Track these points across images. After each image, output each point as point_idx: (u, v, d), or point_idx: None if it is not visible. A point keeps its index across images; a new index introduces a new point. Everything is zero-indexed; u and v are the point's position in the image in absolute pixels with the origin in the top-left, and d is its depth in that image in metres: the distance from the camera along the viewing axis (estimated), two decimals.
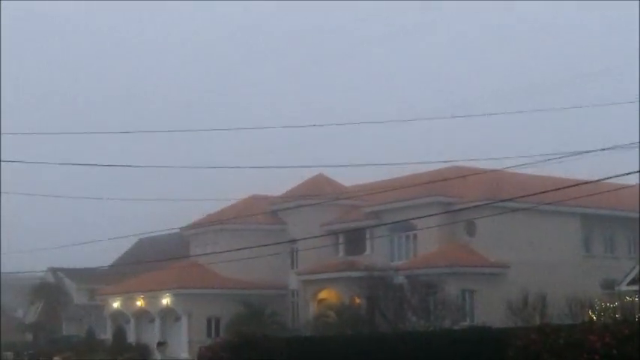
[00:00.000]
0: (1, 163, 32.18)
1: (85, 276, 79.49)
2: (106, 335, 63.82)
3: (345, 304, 51.79)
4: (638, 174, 26.07)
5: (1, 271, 65.16)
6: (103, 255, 74.85)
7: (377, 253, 55.53)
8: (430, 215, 45.98)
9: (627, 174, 27.12)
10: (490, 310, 46.05)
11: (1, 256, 59.96)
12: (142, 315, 62.50)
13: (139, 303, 61.66)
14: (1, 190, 44.77)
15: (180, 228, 64.68)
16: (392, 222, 51.68)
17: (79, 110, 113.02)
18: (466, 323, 45.98)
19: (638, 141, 27.34)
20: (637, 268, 39.62)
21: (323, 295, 57.65)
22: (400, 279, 48.20)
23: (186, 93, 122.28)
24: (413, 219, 47.56)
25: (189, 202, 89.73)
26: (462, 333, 36.16)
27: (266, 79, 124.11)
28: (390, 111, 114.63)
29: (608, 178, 29.74)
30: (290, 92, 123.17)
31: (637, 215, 55.62)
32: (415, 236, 54.07)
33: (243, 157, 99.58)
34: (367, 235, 57.05)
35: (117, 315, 64.25)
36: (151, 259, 62.23)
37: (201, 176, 64.58)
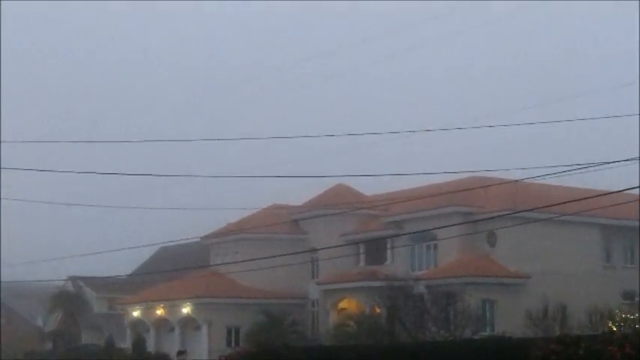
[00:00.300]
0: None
1: (105, 285, 79.65)
2: (126, 344, 63.99)
3: (365, 314, 51.81)
4: None
5: (22, 279, 65.39)
6: (123, 264, 75.14)
7: (397, 263, 55.53)
8: (451, 225, 46.04)
9: None
10: (510, 320, 45.97)
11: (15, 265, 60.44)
12: (161, 324, 62.67)
13: (159, 312, 61.82)
14: (19, 199, 44.75)
15: (200, 237, 64.85)
16: (412, 232, 51.72)
17: (99, 116, 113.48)
18: (486, 333, 45.92)
19: None
20: None
21: (343, 304, 57.68)
22: (420, 289, 48.19)
23: (205, 101, 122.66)
24: (433, 229, 47.58)
25: (211, 211, 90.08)
26: (482, 343, 36.08)
27: (288, 88, 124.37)
28: (412, 122, 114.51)
29: (628, 189, 29.72)
30: (313, 102, 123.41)
31: None
32: (436, 246, 54.08)
33: (264, 166, 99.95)
34: (388, 245, 57.07)
35: (136, 324, 64.43)
36: (172, 268, 62.40)
37: (222, 185, 64.59)
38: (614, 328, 38.11)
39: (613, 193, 33.47)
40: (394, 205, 55.42)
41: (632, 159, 29.06)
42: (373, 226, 58.80)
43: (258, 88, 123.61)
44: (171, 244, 65.83)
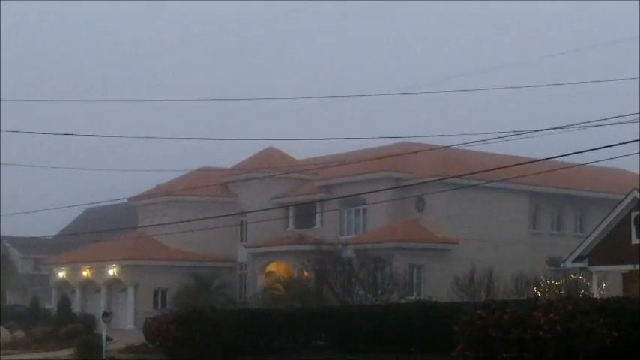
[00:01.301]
0: None
1: (30, 245, 78.56)
2: (51, 305, 63.24)
3: (293, 278, 51.84)
4: (585, 153, 26.22)
5: None
6: (49, 225, 74.14)
7: (327, 227, 55.58)
8: (380, 190, 46.07)
9: (575, 153, 27.29)
10: (437, 286, 46.38)
11: None
12: (87, 285, 62.07)
13: (85, 273, 61.18)
14: None
15: (128, 199, 64.24)
16: (342, 196, 51.74)
17: (33, 76, 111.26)
18: (413, 298, 46.24)
19: (586, 121, 27.52)
20: (582, 245, 40.06)
21: (271, 268, 57.64)
22: (349, 253, 48.34)
23: (142, 62, 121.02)
24: (363, 194, 47.63)
25: (139, 173, 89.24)
26: (409, 307, 36.37)
27: (223, 52, 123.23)
28: (345, 87, 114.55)
29: (556, 157, 29.97)
30: (247, 66, 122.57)
31: (584, 194, 56.32)
32: (365, 211, 54.21)
33: (194, 129, 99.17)
34: (317, 209, 57.08)
35: (62, 285, 63.72)
36: (99, 230, 61.72)
37: (152, 147, 64.03)
38: (539, 294, 38.60)
39: (541, 160, 33.80)
40: (324, 170, 55.33)
41: (559, 127, 29.29)
42: (303, 190, 58.70)
43: (196, 51, 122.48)
44: (99, 205, 65.19)
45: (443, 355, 27.49)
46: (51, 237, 74.03)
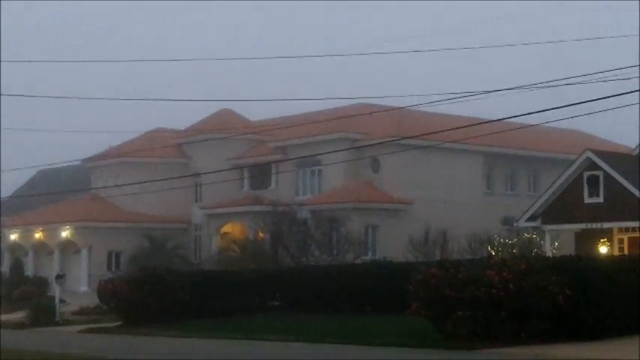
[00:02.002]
0: None
1: None
2: (3, 268, 62.68)
3: (249, 239, 51.77)
4: (538, 114, 26.33)
5: None
6: (1, 186, 73.21)
7: (282, 188, 55.53)
8: (335, 151, 46.03)
9: (527, 114, 27.41)
10: (392, 245, 46.61)
11: None
12: (40, 248, 61.57)
13: (38, 235, 60.66)
14: None
15: (81, 160, 63.62)
16: (298, 157, 51.64)
17: None
18: (368, 258, 46.43)
19: (542, 82, 27.65)
20: (536, 204, 40.40)
21: (227, 229, 57.55)
22: (304, 214, 48.32)
23: (100, 19, 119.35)
24: (318, 155, 47.57)
25: (92, 134, 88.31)
26: (364, 267, 36.50)
27: (176, 10, 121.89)
28: (301, 47, 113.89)
29: (510, 118, 30.06)
30: (200, 24, 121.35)
31: (537, 154, 56.74)
32: (320, 172, 54.18)
33: (148, 89, 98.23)
34: (273, 170, 56.96)
35: (15, 247, 63.13)
36: (51, 192, 61.10)
37: (104, 108, 63.44)
38: (493, 253, 38.87)
39: (495, 121, 33.90)
40: (280, 131, 55.18)
41: (510, 88, 29.37)
42: (258, 152, 58.52)
43: (149, 8, 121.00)
44: (51, 167, 64.55)
45: (398, 314, 27.62)
46: (2, 199, 73.16)
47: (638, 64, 25.46)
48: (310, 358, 20.93)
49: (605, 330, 22.83)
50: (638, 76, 25.27)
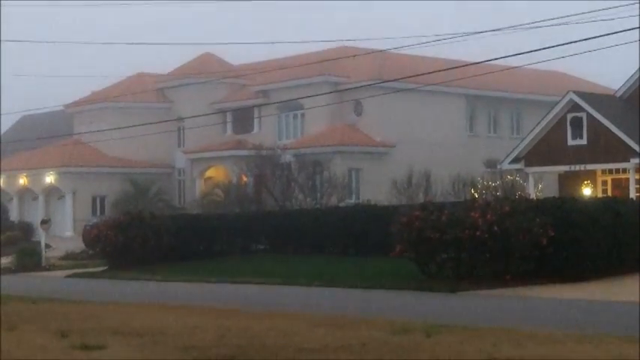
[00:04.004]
0: None
1: None
2: None
3: (232, 183, 51.82)
4: (521, 56, 26.35)
5: None
6: None
7: (265, 132, 55.46)
8: (318, 95, 45.92)
9: (511, 56, 27.45)
10: (376, 189, 46.74)
11: None
12: (25, 193, 61.49)
13: (22, 181, 60.53)
14: None
15: (64, 105, 63.30)
16: (280, 101, 51.51)
17: None
18: (352, 201, 46.59)
19: (525, 23, 27.61)
20: (519, 147, 40.51)
21: (210, 173, 57.56)
22: (288, 158, 48.38)
23: None
24: (301, 98, 47.49)
25: (74, 79, 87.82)
26: (348, 210, 36.62)
27: None
28: None
29: (492, 60, 30.08)
30: None
31: (520, 96, 56.79)
32: (303, 115, 54.11)
33: (130, 33, 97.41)
34: (255, 114, 56.85)
35: None
36: (34, 137, 60.85)
37: (87, 53, 62.88)
38: (477, 196, 39.07)
39: (477, 63, 33.87)
40: (262, 75, 54.97)
41: (493, 30, 29.40)
42: (240, 96, 58.34)
43: None
44: (34, 112, 64.13)
45: (382, 256, 27.81)
46: None
47: (621, 3, 25.43)
48: (298, 300, 21.07)
49: (588, 271, 23.08)
50: (621, 16, 25.32)
